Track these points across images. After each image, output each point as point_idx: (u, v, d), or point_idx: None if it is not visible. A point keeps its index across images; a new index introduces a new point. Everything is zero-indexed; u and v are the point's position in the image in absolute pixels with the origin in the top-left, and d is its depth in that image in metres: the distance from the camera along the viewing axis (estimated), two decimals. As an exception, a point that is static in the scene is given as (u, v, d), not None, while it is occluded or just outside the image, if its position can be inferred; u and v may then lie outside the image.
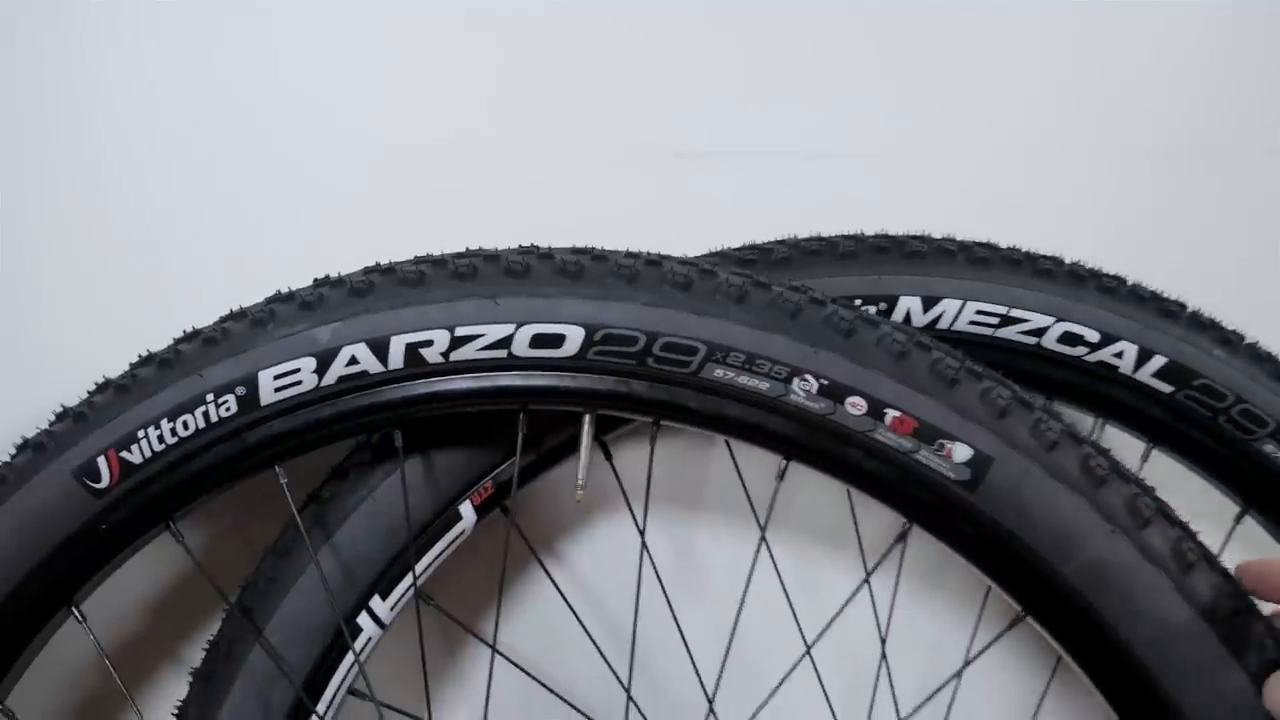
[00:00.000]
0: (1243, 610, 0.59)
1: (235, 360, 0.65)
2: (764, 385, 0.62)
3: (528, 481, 0.76)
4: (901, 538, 0.65)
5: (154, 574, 0.83)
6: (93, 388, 0.68)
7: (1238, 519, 0.78)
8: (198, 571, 0.71)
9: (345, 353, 0.64)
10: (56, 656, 0.72)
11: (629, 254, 0.66)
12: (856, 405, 0.61)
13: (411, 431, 0.70)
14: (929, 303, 0.73)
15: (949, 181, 0.89)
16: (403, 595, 0.73)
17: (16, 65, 0.83)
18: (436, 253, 0.67)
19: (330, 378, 0.65)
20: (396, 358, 0.64)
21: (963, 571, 0.65)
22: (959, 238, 0.76)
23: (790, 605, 0.77)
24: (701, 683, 0.76)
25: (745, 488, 0.76)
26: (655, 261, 0.65)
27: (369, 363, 0.64)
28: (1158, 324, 0.74)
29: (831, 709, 0.79)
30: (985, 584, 0.65)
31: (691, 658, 0.76)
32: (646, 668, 0.83)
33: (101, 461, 0.65)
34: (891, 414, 0.61)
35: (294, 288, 0.67)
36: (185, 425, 0.65)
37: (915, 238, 0.76)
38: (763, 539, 0.68)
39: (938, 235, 0.76)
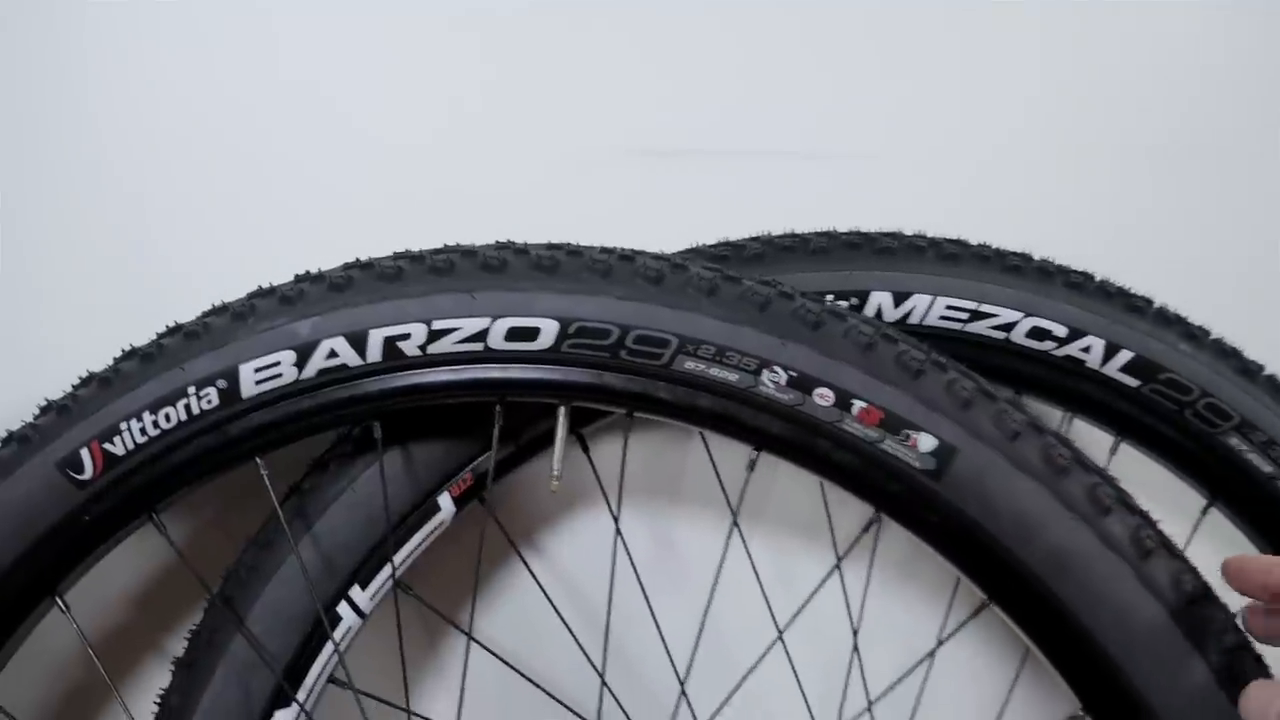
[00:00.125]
0: (1200, 597, 0.60)
1: (216, 353, 0.66)
2: (734, 377, 0.64)
3: (506, 473, 0.77)
4: (869, 527, 0.66)
5: (137, 566, 0.84)
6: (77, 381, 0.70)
7: (1204, 511, 0.80)
8: (181, 563, 0.72)
9: (324, 346, 0.66)
10: (41, 647, 0.73)
11: (603, 249, 0.67)
12: (824, 396, 0.63)
13: (391, 424, 0.71)
14: (900, 298, 0.75)
15: (927, 179, 0.90)
16: (382, 585, 0.74)
17: (9, 61, 0.84)
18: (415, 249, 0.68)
19: (310, 371, 0.66)
20: (375, 351, 0.66)
21: (936, 562, 0.67)
22: (930, 234, 0.77)
23: (763, 591, 0.78)
24: (674, 666, 0.77)
25: (719, 478, 0.78)
26: (628, 257, 0.66)
27: (348, 356, 0.66)
28: (1124, 319, 0.76)
29: (804, 694, 0.81)
30: (956, 573, 0.67)
31: (664, 642, 0.78)
32: (625, 657, 0.85)
33: (85, 453, 0.67)
34: (858, 405, 0.62)
35: (275, 283, 0.68)
36: (167, 418, 0.67)
37: (887, 234, 0.77)
38: (734, 524, 0.69)
39: (909, 232, 0.77)
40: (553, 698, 0.75)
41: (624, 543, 0.75)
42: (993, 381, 0.75)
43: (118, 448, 0.67)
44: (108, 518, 0.68)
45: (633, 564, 0.77)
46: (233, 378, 0.66)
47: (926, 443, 0.62)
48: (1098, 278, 0.77)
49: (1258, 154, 0.91)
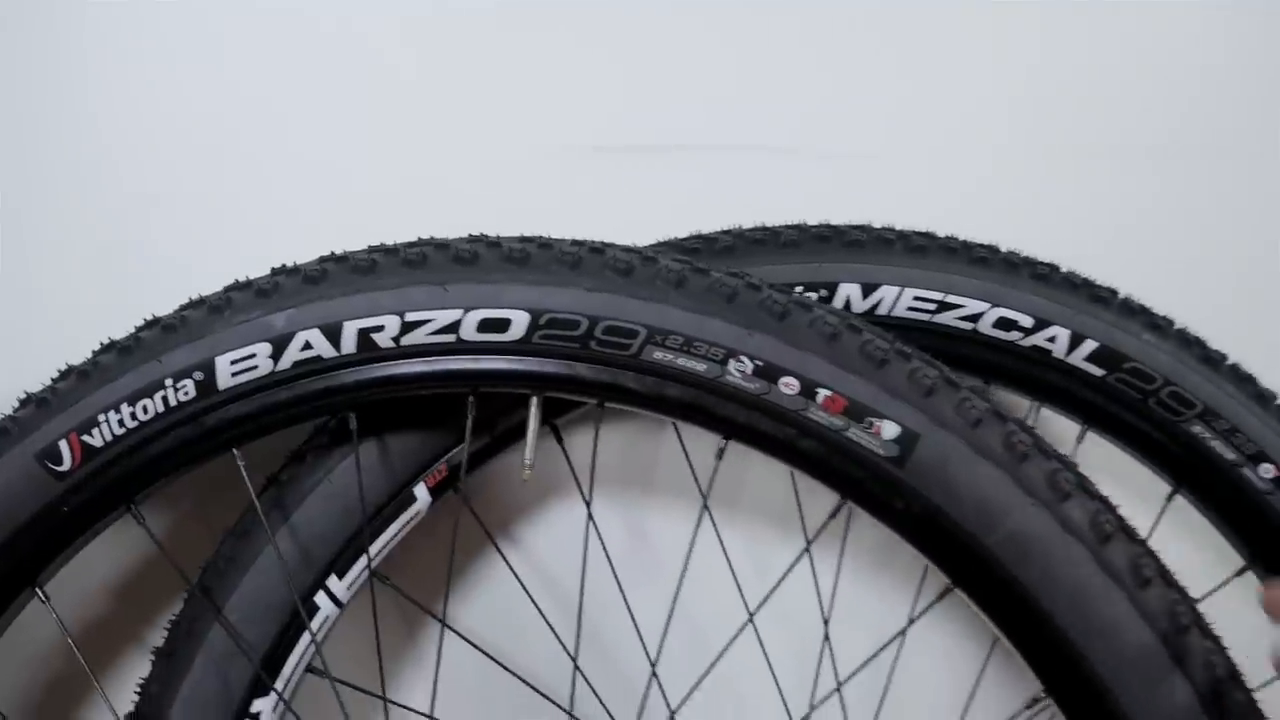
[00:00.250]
0: (1156, 579, 0.62)
1: (193, 346, 0.67)
2: (701, 367, 0.65)
3: (481, 464, 0.78)
4: (835, 513, 0.68)
5: (117, 557, 0.85)
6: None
7: (1169, 498, 0.81)
8: (160, 555, 0.73)
9: (299, 338, 0.67)
10: (22, 638, 0.74)
11: (574, 242, 0.68)
12: (790, 385, 0.64)
13: (367, 415, 0.72)
14: (868, 289, 0.76)
15: (903, 175, 0.91)
16: (359, 575, 0.75)
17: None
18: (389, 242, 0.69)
19: (285, 362, 0.67)
20: (349, 343, 0.67)
21: (908, 549, 0.68)
22: (898, 227, 0.78)
23: (733, 574, 0.79)
24: (645, 649, 0.78)
25: (691, 467, 0.79)
26: (599, 249, 0.67)
27: (322, 348, 0.67)
28: (1089, 309, 0.77)
29: (774, 677, 0.82)
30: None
31: (636, 626, 0.79)
32: (601, 643, 0.86)
33: (63, 445, 0.68)
34: (823, 393, 0.64)
35: (251, 276, 0.69)
36: (145, 409, 0.67)
37: (855, 227, 0.78)
38: (704, 508, 0.70)
39: (877, 225, 0.79)
40: (527, 684, 0.77)
41: (596, 529, 0.76)
42: (962, 372, 0.76)
43: (96, 439, 0.68)
44: (86, 509, 0.69)
45: (605, 551, 0.78)
46: (209, 370, 0.67)
47: (890, 430, 0.63)
48: (1063, 269, 0.79)
49: (1254, 154, 0.92)
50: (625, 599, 0.79)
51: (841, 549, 0.78)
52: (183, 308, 0.70)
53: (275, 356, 0.67)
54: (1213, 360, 0.78)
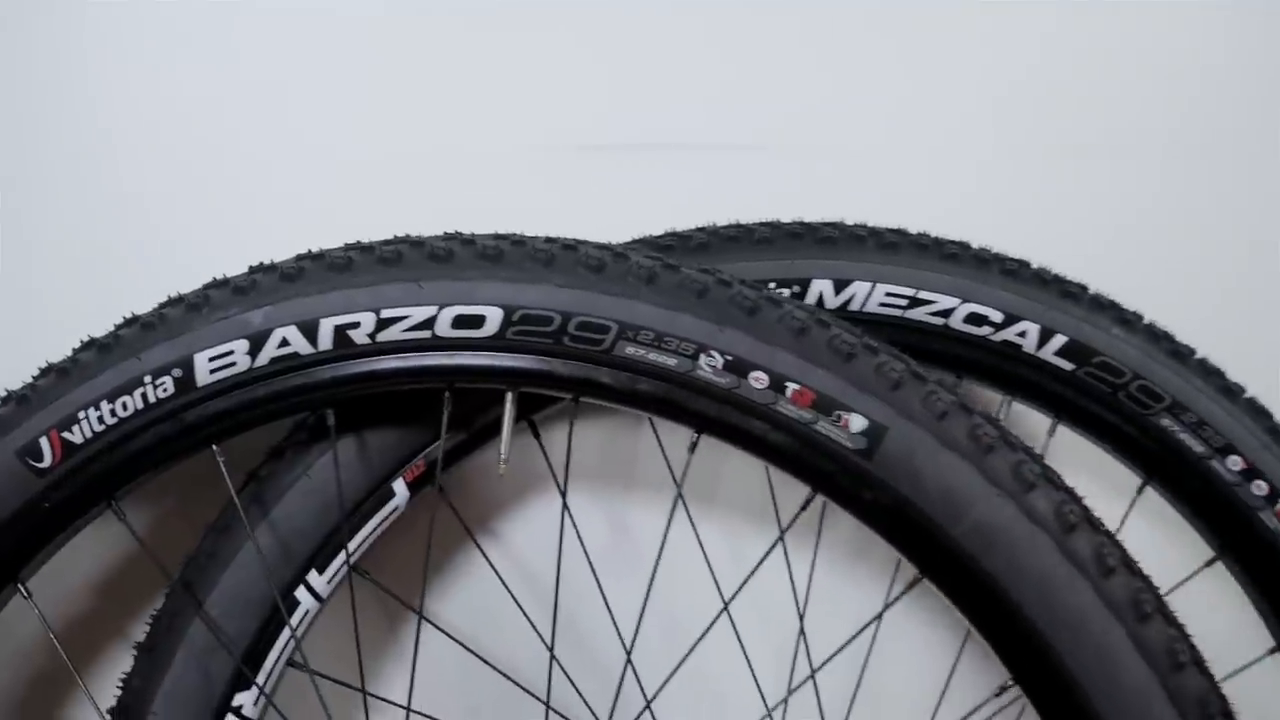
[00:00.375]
0: (1120, 568, 0.62)
1: (172, 343, 0.68)
2: (673, 362, 0.66)
3: (459, 460, 0.79)
4: (806, 505, 0.68)
5: (99, 553, 0.86)
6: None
7: (1140, 490, 0.82)
8: (142, 551, 0.74)
9: (277, 335, 0.67)
10: (5, 634, 0.75)
11: (547, 239, 0.69)
12: (759, 379, 0.65)
13: (345, 411, 0.73)
14: (840, 285, 0.77)
15: (879, 171, 0.92)
16: (339, 570, 0.76)
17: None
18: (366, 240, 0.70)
19: (263, 359, 0.68)
20: (326, 339, 0.67)
21: (882, 541, 0.69)
22: (869, 223, 0.79)
23: (708, 563, 0.80)
24: (620, 637, 0.79)
25: (667, 459, 0.80)
26: (571, 246, 0.68)
27: (299, 344, 0.67)
28: (1059, 304, 0.78)
29: (750, 665, 0.83)
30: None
31: (611, 615, 0.80)
32: (581, 638, 0.87)
33: (44, 442, 0.68)
34: (792, 387, 0.64)
35: (229, 274, 0.70)
36: (124, 406, 0.68)
37: (828, 224, 0.79)
38: (679, 497, 0.71)
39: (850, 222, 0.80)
40: (504, 675, 0.77)
41: (572, 521, 0.77)
42: (935, 367, 0.77)
43: (76, 436, 0.68)
44: (67, 505, 0.70)
45: (581, 543, 0.79)
46: (188, 367, 0.68)
47: (857, 423, 0.64)
48: (1033, 264, 0.80)
49: (1252, 155, 0.93)
50: (602, 590, 0.80)
51: (817, 540, 0.79)
52: (161, 305, 0.70)
53: (253, 353, 0.68)
54: (1181, 354, 0.79)
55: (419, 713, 0.76)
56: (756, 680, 0.84)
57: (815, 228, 0.79)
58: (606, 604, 0.80)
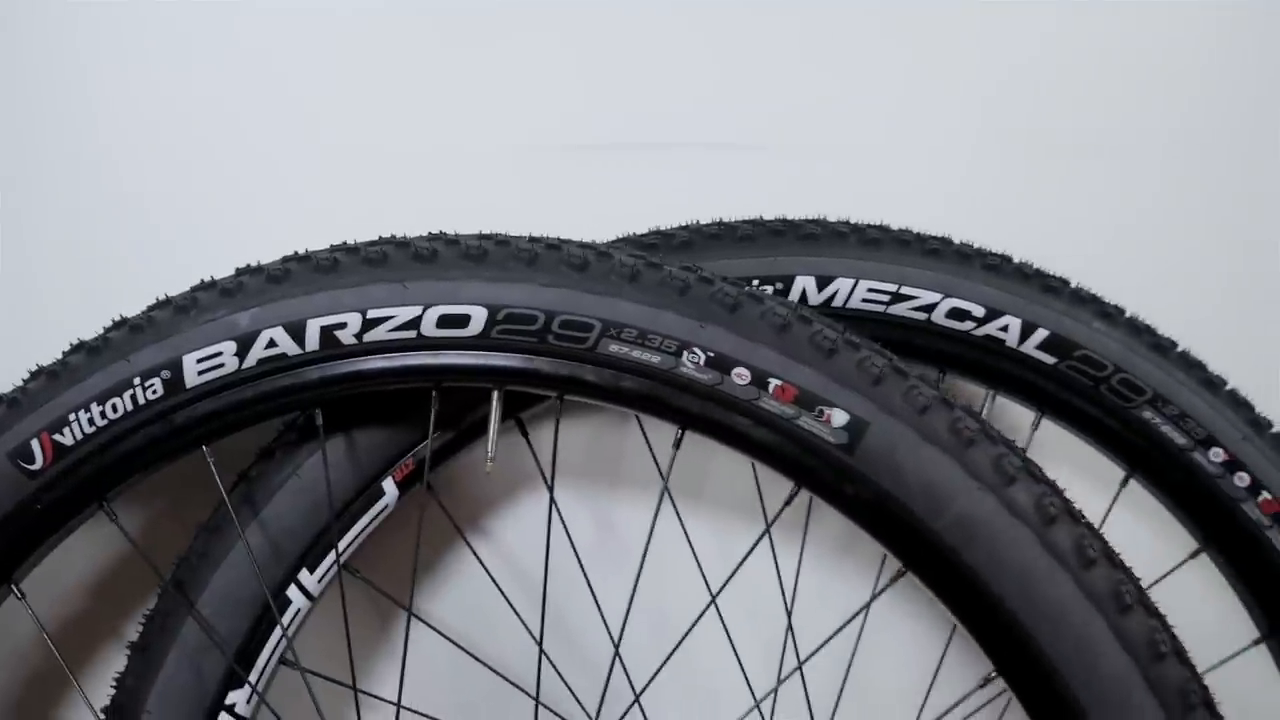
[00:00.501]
0: (1100, 559, 0.63)
1: (160, 345, 0.69)
2: (656, 359, 0.66)
3: (447, 458, 0.80)
4: (790, 500, 0.69)
5: (93, 554, 0.87)
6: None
7: (1123, 483, 0.83)
8: (135, 552, 0.75)
9: (264, 336, 0.68)
10: (1, 634, 0.75)
11: (531, 238, 0.70)
12: (742, 376, 0.65)
13: (333, 411, 0.74)
14: (823, 282, 0.77)
15: (861, 169, 0.93)
16: (329, 568, 0.76)
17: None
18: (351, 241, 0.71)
19: (251, 360, 0.68)
20: (313, 340, 0.68)
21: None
22: (852, 220, 0.80)
23: (695, 558, 0.81)
24: (608, 629, 0.80)
25: (654, 454, 0.80)
26: (555, 245, 0.69)
27: (287, 345, 0.68)
28: (1040, 299, 0.79)
29: (737, 656, 0.83)
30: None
31: (599, 609, 0.81)
32: (571, 634, 0.88)
33: (35, 444, 0.69)
34: (774, 383, 0.65)
35: (216, 276, 0.71)
36: (114, 408, 0.69)
37: (811, 221, 0.80)
38: (665, 489, 0.72)
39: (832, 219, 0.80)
40: (492, 670, 0.78)
41: (560, 514, 0.78)
42: (918, 362, 0.78)
43: (67, 438, 0.69)
44: (59, 506, 0.71)
45: (569, 537, 0.80)
46: (176, 368, 0.68)
47: (839, 418, 0.65)
48: (1015, 259, 0.80)
49: (1249, 156, 0.94)
50: (590, 586, 0.81)
51: (804, 535, 0.79)
52: (150, 308, 0.71)
53: (241, 355, 0.68)
54: (1162, 347, 0.80)
55: (409, 709, 0.77)
56: (744, 672, 0.84)
57: (798, 225, 0.79)
58: (595, 599, 0.81)
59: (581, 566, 0.81)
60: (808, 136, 0.92)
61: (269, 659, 0.76)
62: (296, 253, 0.70)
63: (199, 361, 0.68)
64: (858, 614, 0.73)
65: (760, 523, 0.81)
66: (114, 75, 0.88)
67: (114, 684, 0.75)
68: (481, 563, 0.81)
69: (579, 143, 0.91)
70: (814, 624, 0.84)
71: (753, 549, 0.73)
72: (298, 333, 0.68)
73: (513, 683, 0.79)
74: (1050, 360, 0.79)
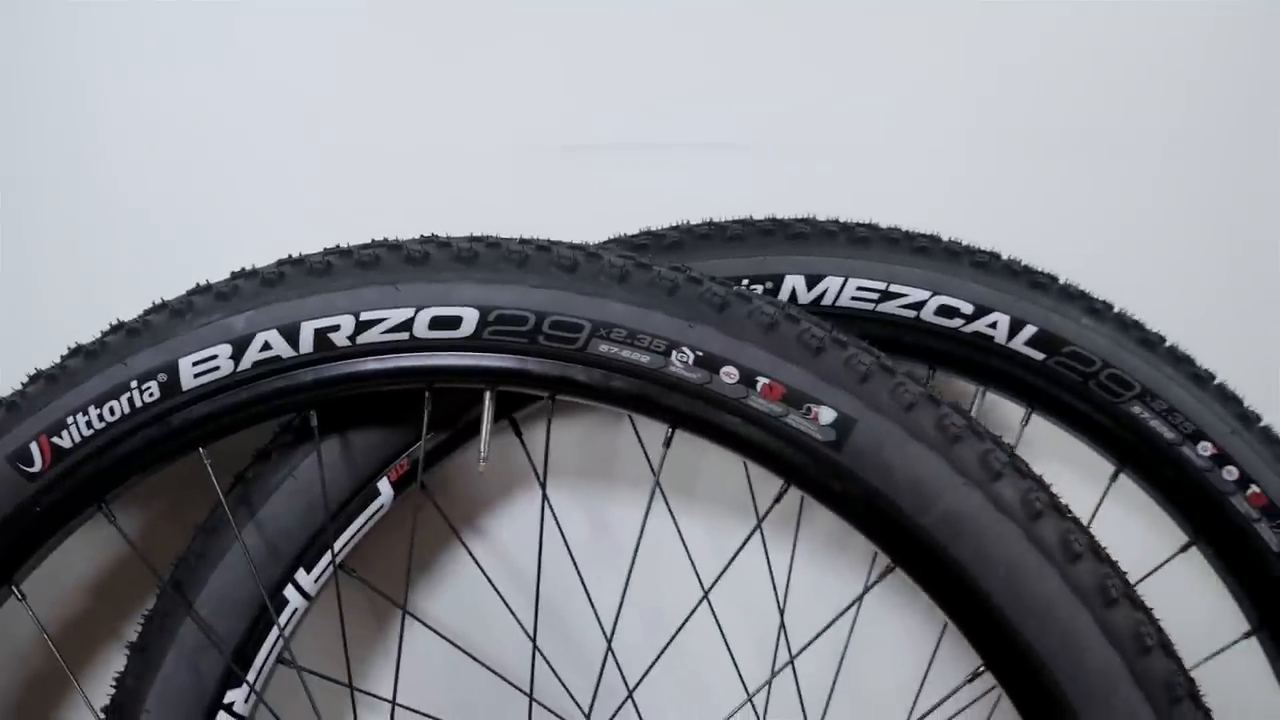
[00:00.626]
0: (1086, 554, 0.64)
1: (156, 349, 0.70)
2: (645, 358, 0.67)
3: (442, 458, 0.80)
4: (779, 497, 0.70)
5: (92, 556, 0.88)
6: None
7: (1113, 477, 0.83)
8: (134, 553, 0.76)
9: (259, 339, 0.69)
10: (2, 635, 0.76)
11: (522, 240, 0.70)
12: (730, 374, 0.66)
13: (328, 413, 0.75)
14: (812, 281, 0.78)
15: (845, 168, 0.94)
16: (326, 568, 0.77)
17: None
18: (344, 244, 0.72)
19: (246, 363, 0.69)
20: (307, 342, 0.69)
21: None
22: (841, 219, 0.81)
23: (688, 552, 0.82)
24: (600, 624, 0.81)
25: (646, 452, 0.81)
26: (545, 247, 0.69)
27: (281, 348, 0.69)
28: (1029, 295, 0.79)
29: (730, 650, 0.84)
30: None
31: (592, 605, 0.81)
32: (567, 631, 0.88)
33: (34, 447, 0.70)
34: (762, 381, 0.66)
35: (211, 280, 0.72)
36: (111, 411, 0.70)
37: (800, 220, 0.80)
38: (656, 484, 0.73)
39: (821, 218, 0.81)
40: (485, 667, 0.79)
41: (552, 511, 0.78)
42: (908, 359, 0.79)
43: (65, 441, 0.70)
44: (58, 508, 0.72)
45: (561, 534, 0.81)
46: (173, 371, 0.69)
47: (827, 415, 0.65)
48: (1003, 256, 0.81)
49: (1247, 157, 0.95)
50: (584, 583, 0.81)
51: (795, 531, 0.80)
52: (146, 312, 0.72)
53: (236, 357, 0.69)
54: (1150, 342, 0.80)
55: (404, 706, 0.78)
56: (737, 666, 0.85)
57: (787, 224, 0.80)
58: (589, 597, 0.82)
59: (575, 564, 0.82)
60: (801, 136, 0.93)
61: (266, 658, 0.77)
62: (290, 256, 0.71)
63: (195, 364, 0.69)
64: (848, 608, 0.74)
65: (753, 519, 0.82)
66: (112, 77, 0.89)
67: (113, 684, 0.76)
68: (476, 561, 0.82)
69: (575, 143, 0.92)
70: (808, 620, 0.84)
71: (743, 545, 0.74)
72: (292, 335, 0.69)
73: (507, 680, 0.80)
74: (1039, 356, 0.79)
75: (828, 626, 0.74)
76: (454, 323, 0.68)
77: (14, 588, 0.73)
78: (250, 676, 0.76)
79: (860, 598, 0.74)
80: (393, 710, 0.77)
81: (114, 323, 0.72)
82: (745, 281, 0.77)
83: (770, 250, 0.78)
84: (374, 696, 0.83)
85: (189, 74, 0.89)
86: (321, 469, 0.75)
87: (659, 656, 0.77)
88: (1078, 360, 0.79)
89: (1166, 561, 0.84)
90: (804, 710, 0.86)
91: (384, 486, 0.78)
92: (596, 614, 0.82)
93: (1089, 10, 0.92)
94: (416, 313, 0.68)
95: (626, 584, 0.73)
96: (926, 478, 0.65)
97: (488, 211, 0.85)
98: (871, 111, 0.93)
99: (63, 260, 0.90)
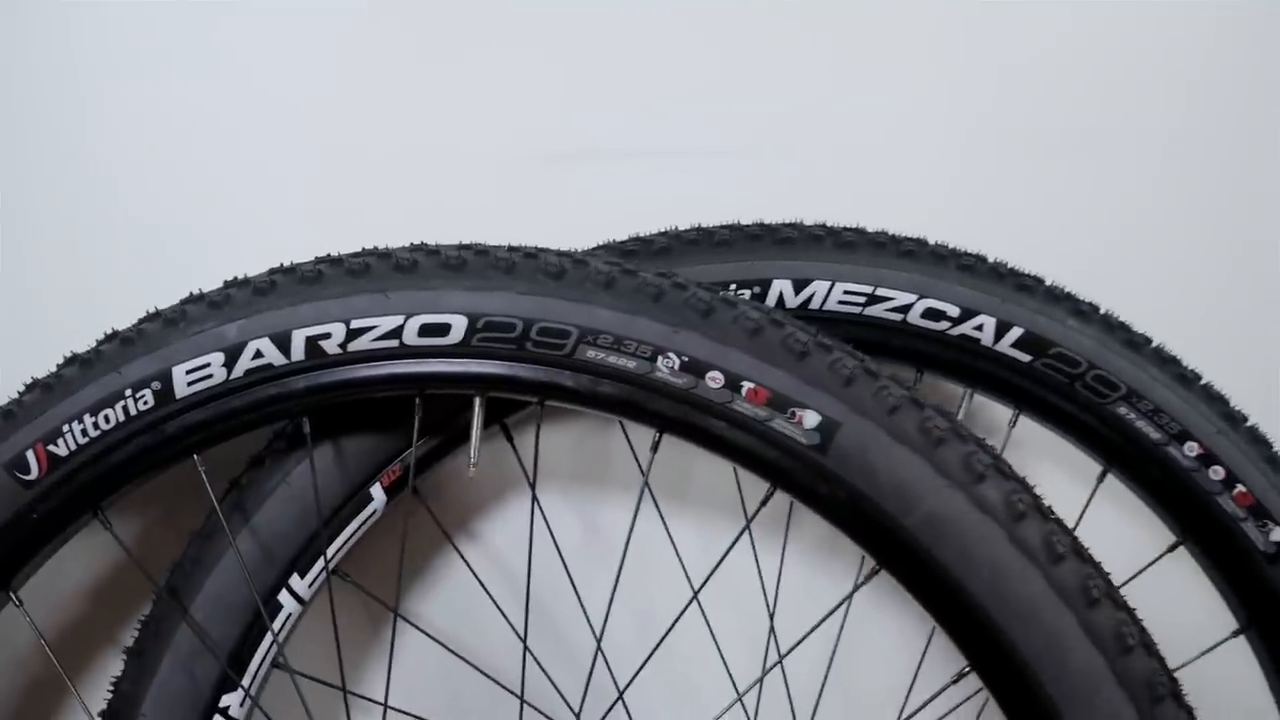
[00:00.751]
0: (1070, 555, 0.64)
1: (150, 357, 0.70)
2: (632, 364, 0.68)
3: (434, 463, 0.81)
4: (766, 500, 0.71)
5: (89, 563, 0.89)
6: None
7: (1100, 477, 0.84)
8: (130, 559, 0.76)
9: (251, 347, 0.70)
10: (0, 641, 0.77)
11: (510, 248, 0.71)
12: (715, 379, 0.67)
13: (321, 419, 0.75)
14: (800, 285, 0.79)
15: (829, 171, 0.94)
16: (320, 573, 0.78)
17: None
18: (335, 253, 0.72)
19: (238, 370, 0.70)
20: (298, 350, 0.70)
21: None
22: (828, 223, 0.81)
23: (677, 554, 0.82)
24: (590, 625, 0.81)
25: (635, 455, 0.82)
26: (532, 254, 0.70)
27: (273, 356, 0.70)
28: (1015, 298, 0.80)
29: (720, 651, 0.85)
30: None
31: (582, 606, 0.82)
32: (558, 634, 0.89)
33: (30, 455, 0.71)
34: (747, 386, 0.66)
35: (204, 289, 0.73)
36: (106, 419, 0.71)
37: (787, 225, 0.81)
38: (645, 484, 0.73)
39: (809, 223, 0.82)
40: (477, 669, 0.80)
41: (543, 513, 0.79)
42: (895, 362, 0.80)
43: (61, 449, 0.71)
44: (55, 515, 0.73)
45: (552, 536, 0.81)
46: (166, 379, 0.70)
47: (811, 419, 0.66)
48: (990, 258, 0.81)
49: (1246, 158, 0.95)
50: (574, 586, 0.82)
51: (785, 533, 0.80)
52: (140, 321, 0.73)
53: (229, 365, 0.70)
54: (1136, 343, 0.81)
55: (397, 709, 0.78)
56: (727, 666, 0.86)
57: (774, 229, 0.81)
58: (579, 600, 0.82)
59: (565, 566, 0.82)
60: (795, 139, 0.93)
61: (261, 662, 0.78)
62: (282, 265, 0.72)
63: (188, 372, 0.70)
64: (837, 608, 0.74)
65: (742, 522, 0.83)
66: (107, 80, 0.89)
67: (110, 689, 0.77)
68: (468, 564, 0.83)
69: (565, 149, 0.93)
70: (798, 621, 0.85)
71: (732, 546, 0.74)
72: (284, 343, 0.69)
73: (498, 682, 0.81)
74: (1026, 358, 0.80)
75: (816, 626, 0.75)
76: (443, 330, 0.69)
77: (11, 594, 0.74)
78: (245, 681, 0.77)
79: (849, 598, 0.74)
80: (384, 713, 0.78)
81: (108, 332, 0.73)
82: (733, 286, 0.78)
83: (758, 255, 0.79)
84: (367, 700, 0.84)
85: (184, 77, 0.90)
86: (314, 475, 0.76)
87: (649, 657, 0.77)
88: (1064, 362, 0.80)
89: (1154, 561, 0.85)
90: (793, 710, 0.87)
91: (377, 492, 0.79)
92: (587, 615, 0.83)
93: (1088, 11, 0.93)
94: (406, 320, 0.69)
95: (615, 585, 0.74)
96: (910, 480, 0.65)
97: (479, 216, 0.86)
98: (870, 113, 0.93)
99: (58, 265, 0.90)
